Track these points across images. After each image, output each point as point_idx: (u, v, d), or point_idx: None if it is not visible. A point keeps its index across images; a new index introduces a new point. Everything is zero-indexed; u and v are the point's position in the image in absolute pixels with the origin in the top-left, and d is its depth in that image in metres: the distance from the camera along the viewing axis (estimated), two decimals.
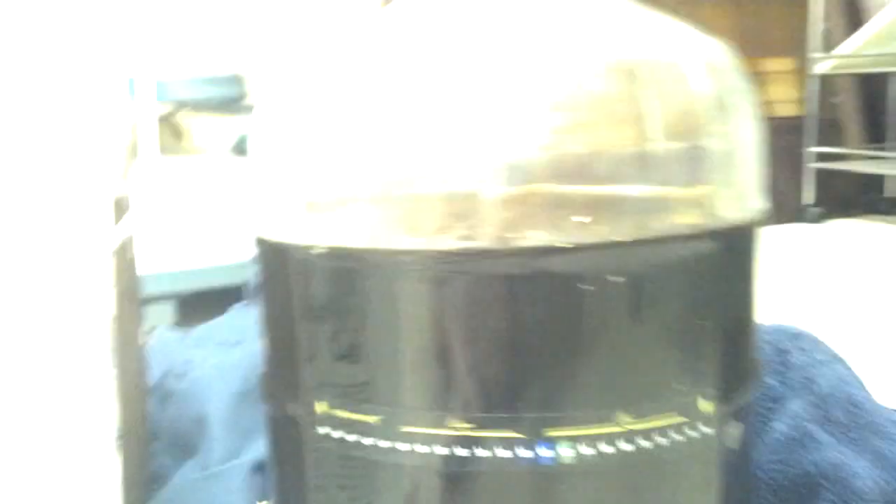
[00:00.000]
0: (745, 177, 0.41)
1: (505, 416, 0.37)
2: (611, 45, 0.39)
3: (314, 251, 0.39)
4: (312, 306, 0.40)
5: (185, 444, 0.59)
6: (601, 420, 0.37)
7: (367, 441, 0.39)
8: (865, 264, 2.02)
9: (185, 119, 1.78)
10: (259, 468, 0.53)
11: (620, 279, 0.37)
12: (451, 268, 0.37)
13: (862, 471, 0.52)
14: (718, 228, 0.38)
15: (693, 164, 0.38)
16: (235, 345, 0.64)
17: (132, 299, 0.62)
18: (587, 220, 0.36)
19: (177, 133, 1.84)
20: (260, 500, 0.49)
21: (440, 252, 0.36)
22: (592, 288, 0.36)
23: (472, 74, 0.37)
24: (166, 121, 1.74)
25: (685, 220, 0.38)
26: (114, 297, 0.40)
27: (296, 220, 0.40)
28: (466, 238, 0.36)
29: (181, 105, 1.69)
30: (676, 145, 0.38)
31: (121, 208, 0.61)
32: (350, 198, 0.39)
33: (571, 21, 0.40)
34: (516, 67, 0.37)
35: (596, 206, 0.37)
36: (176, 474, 0.57)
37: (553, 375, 0.37)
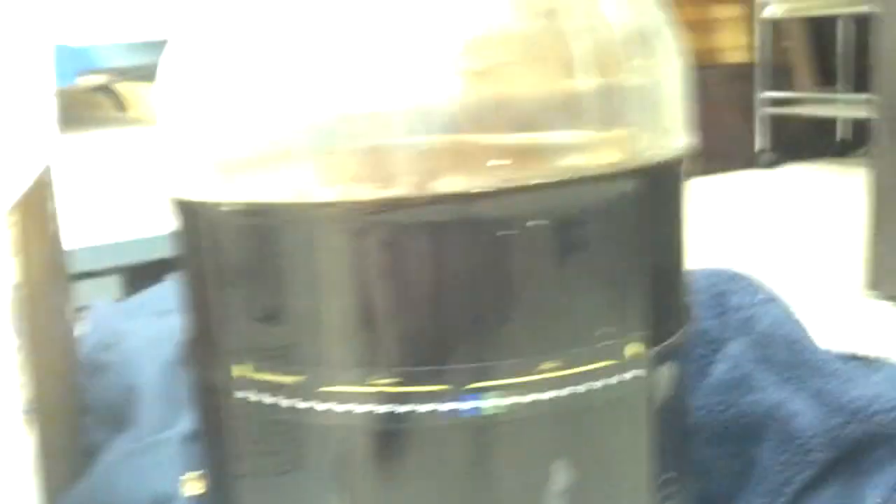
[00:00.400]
0: (668, 113, 0.40)
1: (429, 369, 0.36)
2: None
3: (225, 208, 0.37)
4: (225, 266, 0.38)
5: (116, 417, 0.57)
6: (528, 369, 0.36)
7: (287, 403, 0.37)
8: (818, 208, 2.04)
9: (127, 88, 1.73)
10: (191, 439, 0.51)
11: (541, 222, 0.35)
12: (367, 218, 0.35)
13: (804, 408, 0.51)
14: (640, 166, 0.37)
15: (614, 101, 0.37)
16: (168, 314, 0.62)
17: (56, 271, 0.61)
18: (507, 163, 0.35)
19: (119, 104, 1.79)
20: (191, 471, 0.48)
21: (355, 202, 0.35)
22: (514, 233, 0.35)
23: (378, 17, 0.36)
24: (106, 90, 1.70)
25: (608, 161, 0.37)
26: (14, 266, 0.38)
27: (206, 177, 0.38)
28: (383, 188, 0.35)
29: (120, 73, 1.65)
30: (595, 83, 0.36)
31: (42, 182, 0.59)
32: (260, 152, 0.37)
33: None
34: (426, 8, 0.36)
35: (516, 150, 0.35)
36: (107, 448, 0.55)
37: (477, 325, 0.36)
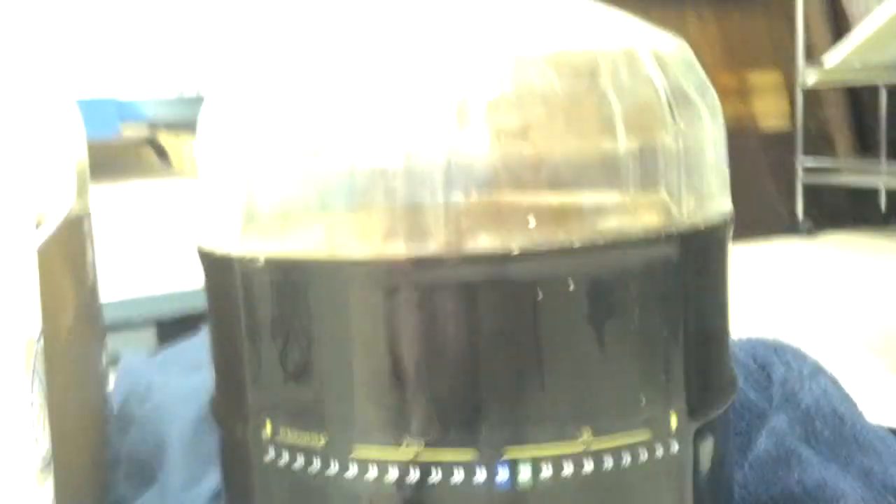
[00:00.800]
0: (707, 177, 0.39)
1: (462, 435, 0.35)
2: (563, 39, 0.37)
3: (256, 263, 0.37)
4: (256, 322, 0.38)
5: (144, 472, 0.56)
6: (563, 438, 0.35)
7: (316, 465, 0.36)
8: (857, 278, 2.00)
9: (170, 141, 1.76)
10: (218, 497, 0.50)
11: (578, 286, 0.34)
12: (399, 277, 0.34)
13: (848, 490, 0.49)
14: (680, 231, 0.36)
15: (653, 163, 0.36)
16: (200, 368, 0.61)
17: (91, 322, 0.60)
18: (543, 224, 0.34)
19: (162, 155, 1.82)
20: None
21: (388, 261, 0.34)
22: (551, 296, 0.34)
23: (416, 75, 0.35)
24: (151, 142, 1.72)
25: (647, 225, 0.36)
26: (37, 315, 0.37)
27: (240, 231, 0.38)
28: (416, 246, 0.34)
29: (164, 126, 1.67)
30: (635, 144, 0.35)
31: (75, 228, 0.59)
32: (294, 207, 0.37)
33: (521, 16, 0.38)
34: (463, 66, 0.35)
35: (553, 211, 0.35)
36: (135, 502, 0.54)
37: (511, 390, 0.35)
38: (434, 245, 0.34)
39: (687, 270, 0.37)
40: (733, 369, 0.43)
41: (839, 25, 2.69)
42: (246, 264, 0.37)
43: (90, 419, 0.60)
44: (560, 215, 0.35)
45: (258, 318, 0.38)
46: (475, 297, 0.34)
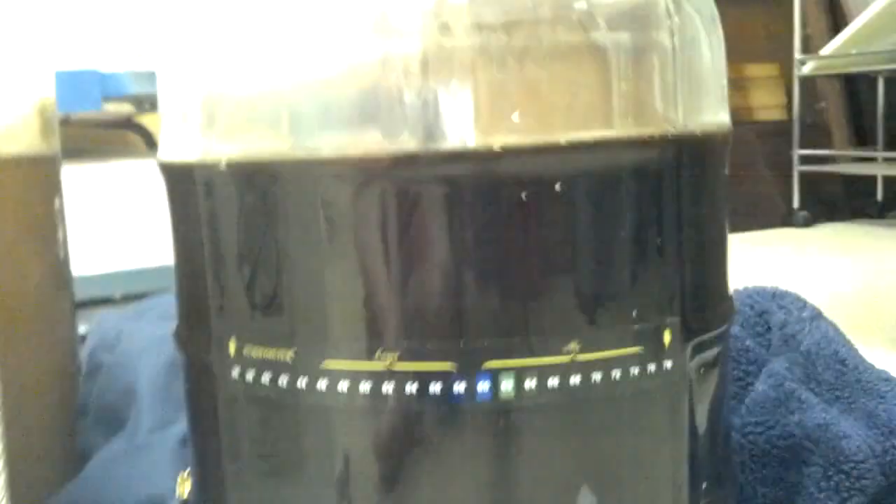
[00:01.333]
0: (703, 84, 0.36)
1: (439, 344, 0.32)
2: None
3: (217, 168, 0.34)
4: (218, 234, 0.35)
5: (113, 419, 0.54)
6: (549, 349, 0.32)
7: (284, 381, 0.34)
8: (853, 268, 1.98)
9: (152, 121, 1.73)
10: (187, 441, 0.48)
11: (565, 187, 0.32)
12: (372, 176, 0.32)
13: (851, 431, 0.47)
14: (673, 135, 0.34)
15: (644, 60, 0.34)
16: (173, 318, 0.59)
17: (59, 288, 0.58)
18: (528, 120, 0.32)
19: (145, 136, 1.79)
20: (186, 472, 0.44)
21: (360, 158, 0.32)
22: (534, 198, 0.32)
23: None
24: (135, 125, 1.69)
25: (637, 125, 0.33)
26: None
27: (202, 135, 0.35)
28: (391, 142, 0.32)
29: (149, 102, 1.64)
30: (625, 37, 0.33)
31: (40, 168, 0.57)
32: (256, 104, 0.34)
33: None
34: None
35: (538, 106, 0.32)
36: (103, 449, 0.52)
37: (493, 297, 0.32)
38: (410, 141, 0.32)
39: (682, 177, 0.35)
40: (731, 295, 0.40)
41: (836, 18, 2.68)
42: (207, 171, 0.35)
43: (59, 374, 0.58)
44: (547, 111, 0.32)
45: (221, 229, 0.35)
46: (455, 197, 0.32)
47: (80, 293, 1.04)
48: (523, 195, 0.32)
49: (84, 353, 0.60)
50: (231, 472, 0.37)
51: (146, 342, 0.55)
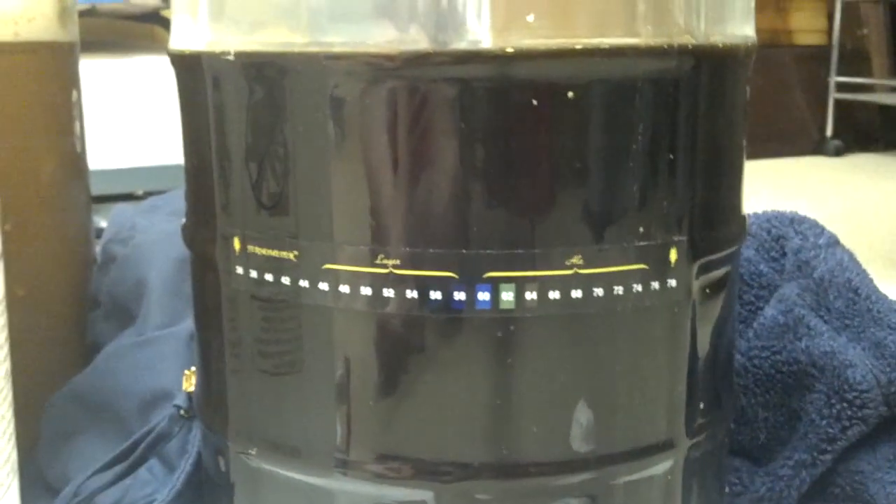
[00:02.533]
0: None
1: (440, 251, 0.32)
2: None
3: (226, 58, 0.33)
4: (225, 126, 0.35)
5: (124, 312, 0.54)
6: (551, 262, 0.32)
7: (286, 280, 0.34)
8: (882, 200, 1.95)
9: None
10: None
11: (578, 94, 0.31)
12: (382, 74, 0.31)
13: (857, 360, 0.47)
14: (693, 45, 0.33)
15: None
16: None
17: (76, 178, 0.58)
18: (543, 21, 0.31)
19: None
20: (193, 368, 0.45)
21: (371, 54, 0.31)
22: (546, 103, 0.31)
23: None
24: (159, 17, 1.67)
25: (657, 33, 0.32)
26: None
27: (207, 25, 0.35)
28: (403, 39, 0.31)
29: None
30: None
31: (58, 56, 0.56)
32: None
33: None
34: None
35: (554, 6, 0.31)
36: (112, 342, 0.52)
37: (497, 206, 0.32)
38: (422, 39, 0.31)
39: (699, 90, 0.34)
40: (743, 216, 0.40)
41: None
42: (216, 61, 0.34)
43: (72, 264, 0.59)
44: (564, 13, 0.31)
45: (228, 124, 0.35)
46: (464, 100, 0.31)
47: (103, 187, 1.04)
48: (534, 101, 0.31)
49: (98, 245, 0.61)
50: (233, 368, 0.38)
51: (159, 237, 0.55)
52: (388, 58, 0.31)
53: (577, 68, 0.31)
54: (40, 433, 0.51)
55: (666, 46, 0.32)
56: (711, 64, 0.34)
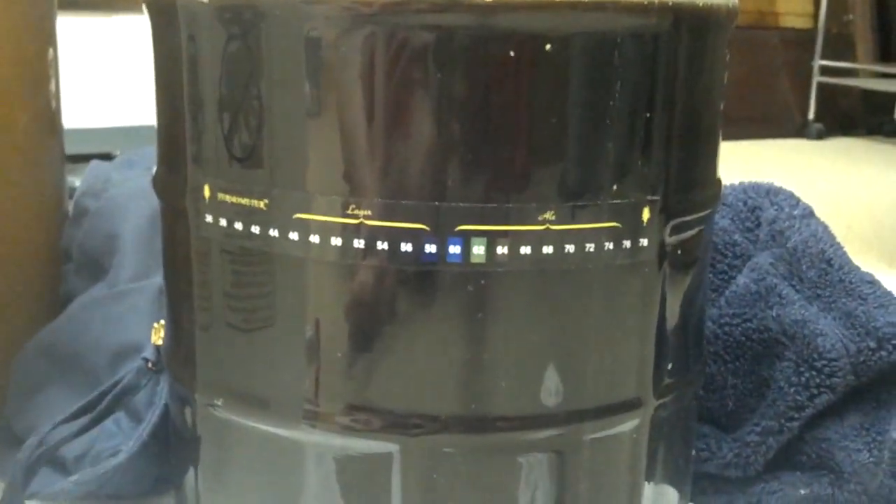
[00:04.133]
0: None
1: (412, 203, 0.32)
2: None
3: (200, 3, 0.33)
4: (198, 73, 0.34)
5: (96, 265, 0.54)
6: (523, 218, 0.32)
7: (256, 229, 0.33)
8: (862, 184, 1.96)
9: None
10: None
11: (557, 47, 0.31)
12: (359, 21, 0.31)
13: (828, 330, 0.47)
14: (673, 2, 0.32)
15: None
16: None
17: (48, 121, 0.57)
18: None
19: None
20: (162, 321, 0.44)
21: (349, 0, 0.31)
22: (523, 55, 0.31)
23: None
24: None
25: None
26: None
27: None
28: None
29: None
30: None
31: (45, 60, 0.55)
32: None
33: None
34: None
35: None
36: (83, 294, 0.52)
37: (470, 157, 0.31)
38: None
39: (679, 49, 0.33)
40: (718, 180, 0.40)
41: None
42: (190, 6, 0.34)
43: (45, 218, 0.58)
44: None
45: (201, 71, 0.34)
46: (441, 50, 0.31)
47: (80, 147, 1.03)
48: (513, 53, 0.31)
49: (73, 198, 0.60)
50: (201, 318, 0.37)
51: (132, 191, 0.55)
52: (367, 3, 0.30)
53: (556, 21, 0.31)
54: (10, 384, 0.51)
55: (646, 2, 0.32)
56: (691, 22, 0.34)
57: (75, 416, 0.43)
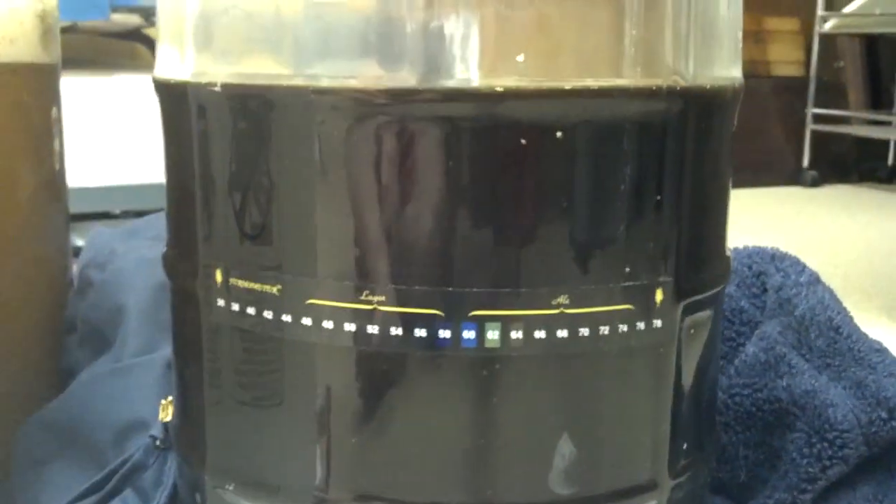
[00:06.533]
0: (716, 36, 0.35)
1: (426, 289, 0.32)
2: None
3: (212, 88, 0.33)
4: (209, 156, 0.34)
5: (100, 338, 0.53)
6: (536, 302, 0.32)
7: (268, 315, 0.33)
8: (857, 231, 1.97)
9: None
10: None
11: (567, 134, 0.31)
12: (369, 109, 0.31)
13: (838, 400, 0.47)
14: (681, 87, 0.33)
15: (657, 8, 0.32)
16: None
17: (53, 200, 0.58)
18: (533, 61, 0.31)
19: (154, 48, 1.76)
20: (170, 397, 0.44)
21: (357, 90, 0.31)
22: (534, 143, 0.31)
23: None
24: (143, 37, 1.67)
25: (645, 75, 0.32)
26: None
27: (197, 54, 0.34)
28: (390, 76, 0.31)
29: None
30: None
31: (40, 77, 0.56)
32: (254, 26, 0.33)
33: None
34: None
35: (544, 47, 0.31)
36: (88, 368, 0.52)
37: (483, 245, 0.31)
38: (410, 76, 0.31)
39: (687, 132, 0.34)
40: (728, 256, 0.40)
41: None
42: (201, 91, 0.34)
43: (49, 288, 0.58)
44: (554, 53, 0.31)
45: (212, 154, 0.34)
46: (452, 138, 0.31)
47: (80, 206, 1.03)
48: (523, 140, 0.31)
49: (75, 268, 0.60)
50: (212, 400, 0.37)
51: (137, 263, 0.55)
52: (376, 94, 0.31)
53: (565, 109, 0.31)
54: (12, 459, 0.50)
55: (654, 88, 0.32)
56: (699, 106, 0.34)
57: (83, 496, 0.42)
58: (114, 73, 1.40)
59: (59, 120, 0.59)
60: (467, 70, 0.30)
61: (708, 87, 0.34)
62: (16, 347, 0.54)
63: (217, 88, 0.33)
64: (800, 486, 0.46)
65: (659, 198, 0.33)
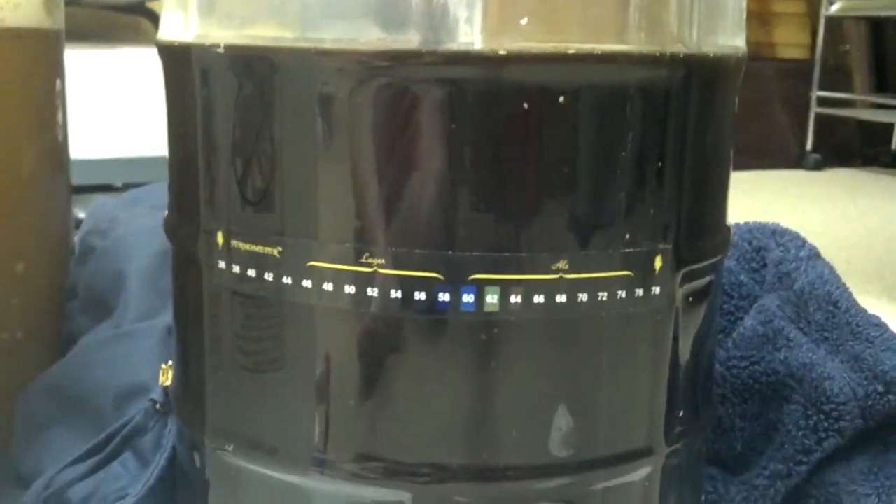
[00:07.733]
0: (720, 5, 0.35)
1: (426, 252, 0.32)
2: None
3: (215, 51, 0.33)
4: (212, 120, 0.34)
5: (101, 304, 0.54)
6: (536, 267, 0.32)
7: (269, 277, 0.34)
8: (859, 214, 1.97)
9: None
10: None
11: (569, 99, 0.31)
12: (371, 72, 0.31)
13: (836, 373, 0.47)
14: (684, 54, 0.33)
15: None
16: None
17: (56, 171, 0.58)
18: (537, 25, 0.31)
19: (157, 22, 1.75)
20: (170, 362, 0.44)
21: (361, 52, 0.31)
22: (536, 107, 0.31)
23: None
24: (147, 11, 1.66)
25: (649, 41, 0.32)
26: None
27: (202, 15, 0.34)
28: (393, 38, 0.31)
29: None
30: None
31: (43, 42, 0.55)
32: None
33: None
34: None
35: (548, 11, 0.31)
36: (89, 333, 0.52)
37: (484, 209, 0.31)
38: (413, 38, 0.31)
39: (689, 99, 0.34)
40: (728, 227, 0.40)
41: None
42: (205, 54, 0.34)
43: (51, 255, 0.58)
44: (558, 18, 0.31)
45: (215, 117, 0.34)
46: (454, 101, 0.31)
47: (83, 178, 1.03)
48: (525, 104, 0.31)
49: (77, 236, 0.60)
50: (212, 364, 0.37)
51: (139, 230, 0.55)
52: (379, 56, 0.31)
53: (568, 73, 0.31)
54: (13, 424, 0.51)
55: (657, 54, 0.32)
56: (702, 74, 0.34)
57: (83, 458, 0.43)
58: (117, 47, 1.39)
59: (62, 91, 0.59)
60: (471, 33, 0.30)
61: (711, 55, 0.34)
62: (20, 314, 0.54)
63: (220, 50, 0.33)
64: (795, 457, 0.46)
65: (660, 165, 0.33)
